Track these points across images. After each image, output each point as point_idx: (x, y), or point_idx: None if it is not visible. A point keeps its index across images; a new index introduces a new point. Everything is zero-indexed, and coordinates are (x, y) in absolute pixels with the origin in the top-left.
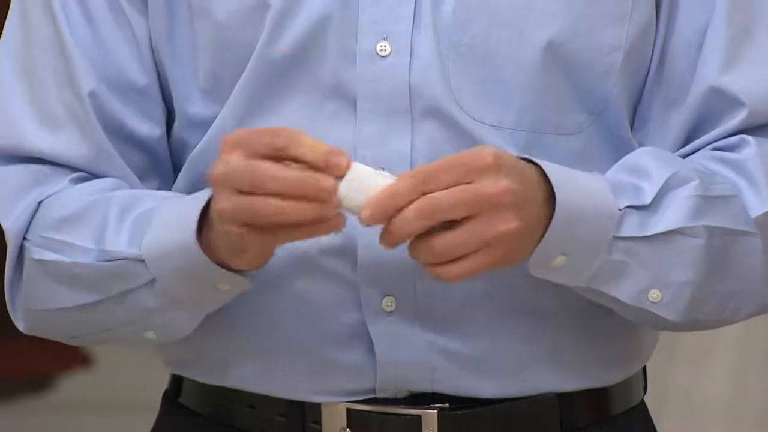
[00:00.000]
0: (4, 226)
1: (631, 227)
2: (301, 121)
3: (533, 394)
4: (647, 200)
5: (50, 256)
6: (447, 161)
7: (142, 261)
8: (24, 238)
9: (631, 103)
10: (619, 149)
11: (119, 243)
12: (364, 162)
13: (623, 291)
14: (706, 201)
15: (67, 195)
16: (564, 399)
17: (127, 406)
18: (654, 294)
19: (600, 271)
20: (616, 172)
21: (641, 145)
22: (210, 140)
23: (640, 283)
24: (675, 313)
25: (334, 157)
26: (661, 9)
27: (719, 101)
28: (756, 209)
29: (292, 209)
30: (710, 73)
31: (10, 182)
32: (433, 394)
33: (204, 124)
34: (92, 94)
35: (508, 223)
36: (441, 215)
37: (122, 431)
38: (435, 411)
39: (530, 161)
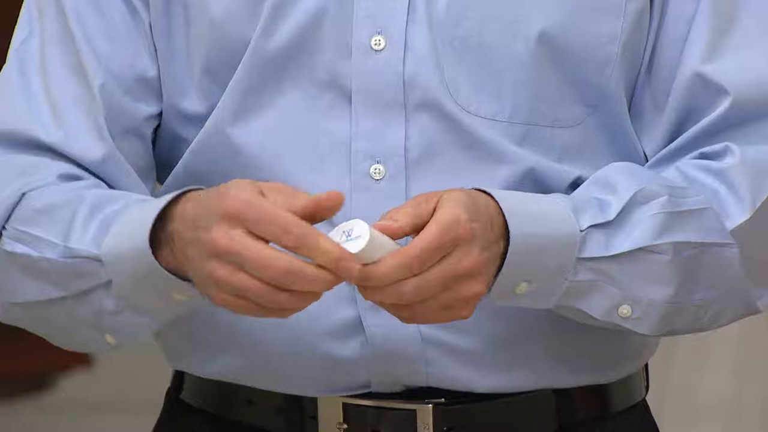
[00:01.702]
0: None
1: (596, 247)
2: (297, 113)
3: (529, 390)
4: (611, 216)
5: (20, 248)
6: (432, 243)
7: (101, 261)
8: (3, 228)
9: (629, 95)
10: (618, 141)
11: (83, 241)
12: (358, 155)
13: (593, 306)
14: (674, 217)
15: (51, 189)
16: (561, 395)
17: (127, 406)
18: (624, 310)
19: (568, 291)
20: (587, 188)
21: (638, 136)
22: (207, 134)
23: (610, 299)
24: (647, 328)
25: (344, 262)
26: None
27: (704, 90)
28: (736, 218)
29: (287, 302)
30: (694, 62)
31: (4, 165)
32: (429, 388)
33: (199, 120)
34: (102, 88)
35: (473, 288)
36: (427, 295)
37: (122, 431)
38: (430, 405)
39: (484, 192)
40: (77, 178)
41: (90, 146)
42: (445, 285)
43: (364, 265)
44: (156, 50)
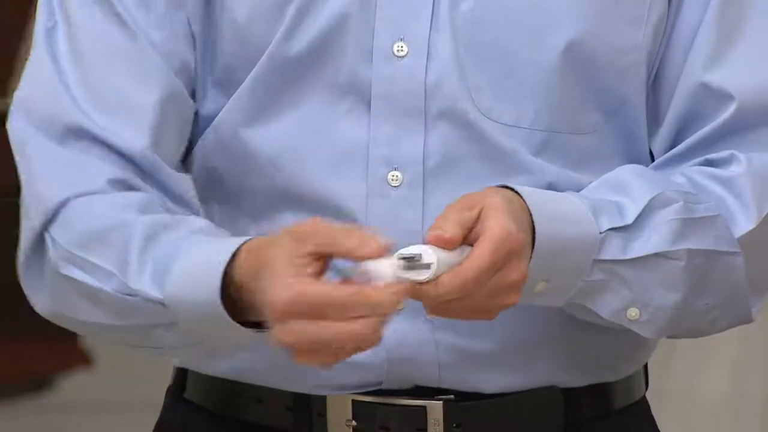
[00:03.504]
0: (26, 203)
1: (613, 250)
2: (316, 117)
3: (538, 387)
4: (630, 220)
5: (78, 275)
6: (487, 263)
7: (163, 304)
8: (46, 230)
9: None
10: (634, 148)
11: (142, 281)
12: (375, 161)
13: (603, 307)
14: (689, 223)
15: (100, 203)
16: (568, 393)
17: (127, 406)
18: (633, 312)
19: (581, 290)
20: (598, 189)
21: (648, 142)
22: (222, 135)
23: (620, 300)
24: (651, 331)
25: (395, 296)
26: (671, 6)
27: (707, 98)
28: (742, 227)
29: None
30: (697, 70)
31: (45, 159)
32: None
33: (210, 118)
34: (159, 78)
35: (510, 299)
36: (470, 303)
37: (122, 431)
38: (440, 402)
39: (513, 190)
40: (126, 184)
41: (133, 136)
42: (489, 296)
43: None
44: (194, 39)
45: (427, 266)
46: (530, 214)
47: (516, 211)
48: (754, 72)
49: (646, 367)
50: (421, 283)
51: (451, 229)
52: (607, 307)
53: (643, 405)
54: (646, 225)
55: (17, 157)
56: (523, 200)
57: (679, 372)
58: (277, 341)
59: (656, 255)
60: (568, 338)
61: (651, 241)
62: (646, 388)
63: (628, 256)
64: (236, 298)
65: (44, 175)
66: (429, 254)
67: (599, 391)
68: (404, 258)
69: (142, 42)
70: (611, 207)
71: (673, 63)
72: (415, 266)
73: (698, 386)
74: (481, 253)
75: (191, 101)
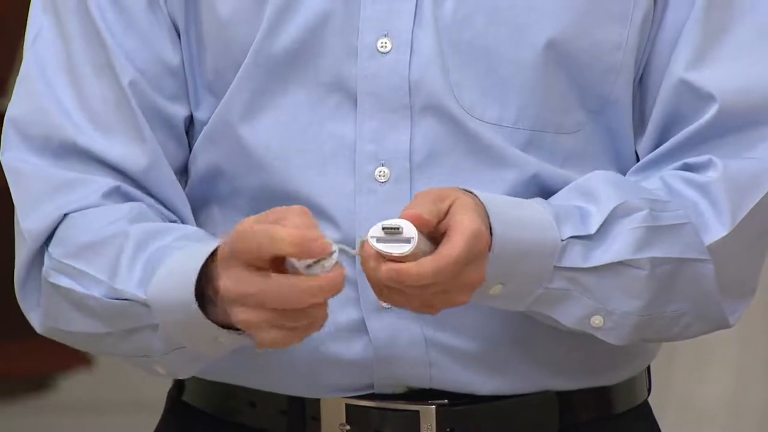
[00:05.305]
0: (21, 225)
1: (575, 258)
2: (303, 115)
3: (532, 392)
4: (592, 229)
5: (65, 282)
6: (463, 253)
7: (147, 306)
8: (45, 245)
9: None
10: (620, 147)
11: (130, 282)
12: (363, 157)
13: (565, 315)
14: (653, 232)
15: (94, 216)
16: (564, 397)
17: (127, 406)
18: (596, 320)
19: (541, 297)
20: (568, 193)
21: (635, 143)
22: (210, 136)
23: (583, 309)
24: (617, 338)
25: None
26: (657, 4)
27: (689, 97)
28: (715, 234)
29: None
30: (680, 69)
31: (40, 180)
32: (432, 390)
33: (206, 123)
34: (131, 86)
35: (462, 298)
36: (427, 294)
37: (122, 431)
38: (433, 407)
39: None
40: (122, 194)
41: (133, 153)
42: (445, 291)
43: (395, 260)
44: (179, 36)
45: (408, 240)
46: (488, 217)
47: (481, 213)
48: (737, 74)
49: (649, 370)
50: (398, 258)
51: (427, 215)
52: (569, 315)
53: (645, 409)
54: (608, 233)
55: (11, 181)
56: (483, 205)
57: (679, 377)
58: (238, 322)
59: (619, 263)
60: (562, 340)
61: (612, 249)
62: (650, 392)
63: (589, 264)
64: (215, 300)
65: (41, 194)
66: (410, 228)
67: (597, 395)
68: (386, 228)
69: (114, 51)
70: (576, 214)
71: (659, 62)
72: (395, 239)
73: (698, 391)
74: (458, 242)
75: (172, 106)
